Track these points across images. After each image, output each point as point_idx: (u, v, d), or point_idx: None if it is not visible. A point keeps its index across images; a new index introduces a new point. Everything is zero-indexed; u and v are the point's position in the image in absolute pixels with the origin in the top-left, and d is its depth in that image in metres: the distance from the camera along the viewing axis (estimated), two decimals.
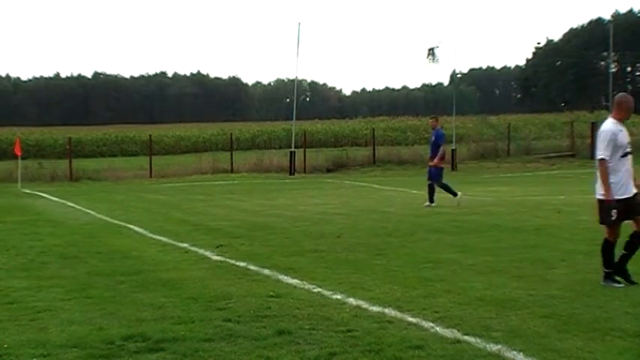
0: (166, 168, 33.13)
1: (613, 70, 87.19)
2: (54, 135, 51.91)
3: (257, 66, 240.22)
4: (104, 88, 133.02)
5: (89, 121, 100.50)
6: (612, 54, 70.67)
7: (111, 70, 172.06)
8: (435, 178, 16.88)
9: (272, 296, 7.43)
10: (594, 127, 38.28)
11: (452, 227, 12.66)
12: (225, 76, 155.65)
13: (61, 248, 11.18)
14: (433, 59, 36.75)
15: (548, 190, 21.21)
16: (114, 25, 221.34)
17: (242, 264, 9.44)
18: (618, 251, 7.89)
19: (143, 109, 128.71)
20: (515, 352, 5.46)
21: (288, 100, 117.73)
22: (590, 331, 5.98)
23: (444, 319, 6.40)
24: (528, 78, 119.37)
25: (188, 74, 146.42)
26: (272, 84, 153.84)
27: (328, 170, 33.09)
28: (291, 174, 31.76)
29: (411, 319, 6.46)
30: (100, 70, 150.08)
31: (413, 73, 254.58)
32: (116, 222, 14.76)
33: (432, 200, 16.64)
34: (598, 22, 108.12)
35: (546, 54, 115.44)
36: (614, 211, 7.72)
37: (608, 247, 7.86)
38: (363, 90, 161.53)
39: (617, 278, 7.70)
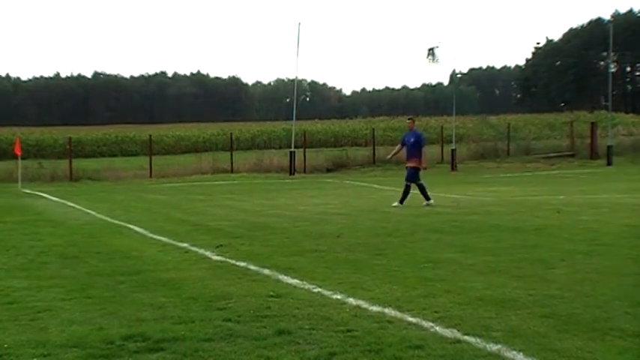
0: (166, 168, 33.15)
1: (613, 70, 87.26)
2: (54, 135, 51.96)
3: (257, 66, 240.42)
4: (104, 88, 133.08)
5: (89, 121, 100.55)
6: (612, 54, 70.58)
7: (111, 70, 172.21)
8: (413, 178, 16.82)
9: (272, 296, 7.43)
10: (594, 127, 38.36)
11: (452, 227, 12.66)
12: (225, 76, 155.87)
13: (61, 248, 11.18)
14: (433, 59, 36.77)
15: (548, 190, 21.23)
16: (114, 25, 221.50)
17: (242, 264, 9.44)
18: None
19: (143, 109, 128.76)
20: (515, 352, 5.46)
21: (288, 100, 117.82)
22: (590, 331, 5.98)
23: (444, 319, 6.40)
24: (528, 78, 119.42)
25: (188, 74, 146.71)
26: (272, 84, 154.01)
27: (328, 170, 33.12)
28: (291, 174, 31.77)
29: (411, 319, 6.46)
30: (100, 70, 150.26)
31: (413, 73, 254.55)
32: (116, 222, 14.76)
33: (427, 198, 16.68)
34: (598, 22, 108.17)
35: (546, 54, 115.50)
36: None
37: None
38: (363, 90, 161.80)
39: None
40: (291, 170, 32.13)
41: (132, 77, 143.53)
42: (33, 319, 6.72)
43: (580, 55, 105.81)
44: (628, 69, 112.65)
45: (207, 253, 10.40)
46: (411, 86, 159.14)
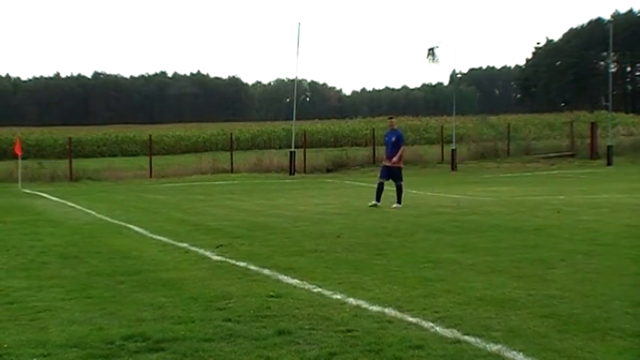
0: (166, 168, 33.15)
1: (613, 70, 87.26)
2: (54, 135, 51.96)
3: (257, 66, 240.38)
4: (104, 88, 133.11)
5: (89, 121, 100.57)
6: (612, 54, 70.64)
7: (111, 70, 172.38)
8: (401, 177, 16.76)
9: (272, 296, 7.42)
10: (594, 127, 38.36)
11: (452, 227, 12.65)
12: (225, 76, 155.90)
13: (61, 248, 11.18)
14: (433, 59, 36.73)
15: (548, 190, 21.23)
16: (114, 25, 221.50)
17: (242, 264, 9.44)
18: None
19: (143, 109, 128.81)
20: (515, 352, 5.46)
21: (288, 100, 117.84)
22: (590, 331, 5.98)
23: (444, 319, 6.40)
24: (528, 78, 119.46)
25: (188, 74, 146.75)
26: (272, 84, 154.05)
27: (328, 170, 33.11)
28: (291, 174, 31.77)
29: (411, 319, 6.46)
30: (100, 70, 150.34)
31: (413, 73, 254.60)
32: (116, 222, 14.76)
33: (378, 200, 16.57)
34: (598, 22, 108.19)
35: (546, 54, 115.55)
36: None
37: None
38: (363, 90, 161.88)
39: None
40: (291, 170, 32.12)
41: (132, 77, 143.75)
42: (33, 319, 6.72)
43: (580, 55, 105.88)
44: (628, 69, 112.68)
45: (207, 253, 10.40)
46: (411, 86, 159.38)
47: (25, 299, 7.59)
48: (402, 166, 17.05)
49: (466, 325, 6.18)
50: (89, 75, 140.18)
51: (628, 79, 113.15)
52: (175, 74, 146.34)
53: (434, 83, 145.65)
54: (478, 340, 5.78)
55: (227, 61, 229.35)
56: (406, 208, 16.17)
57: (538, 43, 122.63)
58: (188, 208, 17.66)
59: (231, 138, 38.34)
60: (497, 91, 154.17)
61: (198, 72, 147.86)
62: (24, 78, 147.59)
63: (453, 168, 33.62)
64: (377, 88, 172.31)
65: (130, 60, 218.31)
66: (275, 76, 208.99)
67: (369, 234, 12.07)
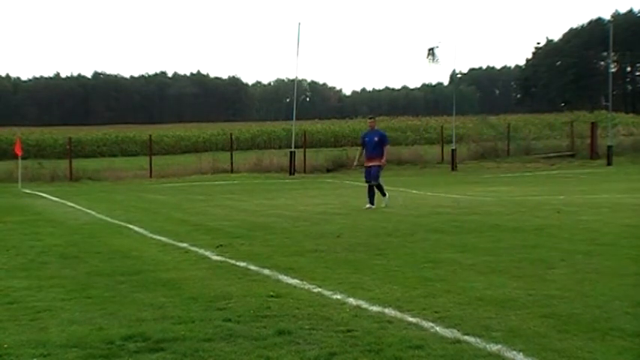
0: (166, 168, 33.16)
1: (613, 70, 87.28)
2: (54, 135, 51.97)
3: (257, 66, 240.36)
4: (104, 88, 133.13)
5: (89, 121, 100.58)
6: (612, 54, 70.63)
7: (111, 70, 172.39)
8: (378, 177, 16.52)
9: (272, 296, 7.42)
10: (594, 127, 38.36)
11: (452, 227, 12.65)
12: (225, 76, 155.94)
13: (61, 248, 11.18)
14: (433, 59, 36.71)
15: (548, 190, 21.23)
16: (114, 25, 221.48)
17: (242, 264, 9.44)
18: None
19: (143, 109, 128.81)
20: (515, 352, 5.46)
21: (288, 100, 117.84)
22: (590, 331, 5.98)
23: (444, 319, 6.40)
24: (528, 78, 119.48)
25: (188, 74, 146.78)
26: (272, 84, 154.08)
27: (328, 170, 33.11)
28: (291, 174, 31.77)
29: (411, 319, 6.46)
30: (100, 70, 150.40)
31: (413, 73, 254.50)
32: (116, 222, 14.76)
33: (372, 202, 16.36)
34: (598, 22, 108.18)
35: (546, 54, 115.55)
36: None
37: None
38: (363, 90, 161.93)
39: None
40: (291, 170, 32.13)
41: (132, 77, 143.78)
42: (33, 319, 6.72)
43: (580, 55, 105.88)
44: (628, 69, 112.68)
45: (207, 253, 10.40)
46: (411, 86, 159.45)
47: (25, 299, 7.59)
48: (381, 164, 16.65)
49: (466, 325, 6.18)
50: (89, 75, 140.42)
51: (628, 79, 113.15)
52: (175, 74, 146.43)
53: (434, 83, 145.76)
54: (478, 340, 5.78)
55: (227, 61, 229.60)
56: (406, 208, 16.17)
57: (538, 43, 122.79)
58: (188, 208, 17.66)
59: (231, 138, 38.35)
60: (497, 91, 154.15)
61: (198, 72, 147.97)
62: (24, 78, 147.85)
63: (453, 168, 33.63)
64: (377, 88, 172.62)
65: (130, 60, 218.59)
66: (275, 76, 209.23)
67: (369, 234, 12.07)
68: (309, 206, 17.40)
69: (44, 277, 8.80)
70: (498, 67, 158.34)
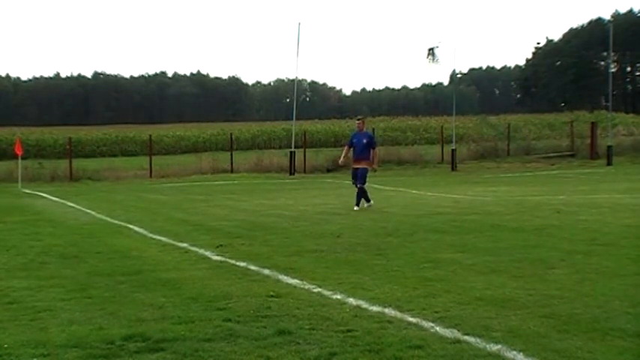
0: (166, 168, 33.15)
1: (613, 70, 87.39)
2: (54, 135, 51.96)
3: (257, 66, 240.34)
4: (104, 88, 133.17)
5: (89, 121, 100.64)
6: (612, 54, 70.66)
7: (111, 70, 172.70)
8: (365, 180, 16.34)
9: (272, 296, 7.43)
10: (594, 127, 38.36)
11: (452, 227, 12.65)
12: (225, 76, 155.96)
13: (61, 248, 11.18)
14: (433, 59, 36.70)
15: (548, 190, 21.22)
16: (114, 25, 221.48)
17: (242, 264, 9.44)
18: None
19: (143, 109, 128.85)
20: (515, 352, 5.46)
21: (288, 100, 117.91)
22: (590, 331, 5.98)
23: (444, 319, 6.40)
24: (528, 78, 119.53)
25: (188, 74, 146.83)
26: (272, 84, 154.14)
27: (328, 170, 33.09)
28: (291, 174, 31.77)
29: (411, 319, 6.46)
30: (100, 70, 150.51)
31: (413, 73, 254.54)
32: (116, 222, 14.76)
33: (368, 200, 16.30)
34: (598, 22, 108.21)
35: (546, 54, 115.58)
36: None
37: None
38: (363, 90, 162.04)
39: None
40: (291, 170, 32.12)
41: (132, 77, 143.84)
42: (33, 319, 6.72)
43: (580, 55, 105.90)
44: (628, 69, 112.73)
45: (207, 253, 10.40)
46: (411, 86, 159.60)
47: (25, 299, 7.59)
48: (371, 168, 16.64)
49: (466, 325, 6.18)
50: (89, 75, 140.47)
51: (628, 79, 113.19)
52: (175, 74, 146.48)
53: (434, 83, 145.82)
54: (478, 340, 5.78)
55: (227, 61, 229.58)
56: (406, 208, 16.17)
57: (538, 43, 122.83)
58: (188, 208, 17.66)
59: (231, 138, 38.34)
60: (497, 91, 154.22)
61: (198, 72, 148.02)
62: (24, 78, 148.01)
63: (453, 168, 33.62)
64: (377, 88, 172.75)
65: (130, 60, 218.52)
66: (275, 76, 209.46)
67: (369, 234, 12.07)
68: (309, 206, 17.39)
69: (44, 277, 8.80)
70: (498, 67, 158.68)
